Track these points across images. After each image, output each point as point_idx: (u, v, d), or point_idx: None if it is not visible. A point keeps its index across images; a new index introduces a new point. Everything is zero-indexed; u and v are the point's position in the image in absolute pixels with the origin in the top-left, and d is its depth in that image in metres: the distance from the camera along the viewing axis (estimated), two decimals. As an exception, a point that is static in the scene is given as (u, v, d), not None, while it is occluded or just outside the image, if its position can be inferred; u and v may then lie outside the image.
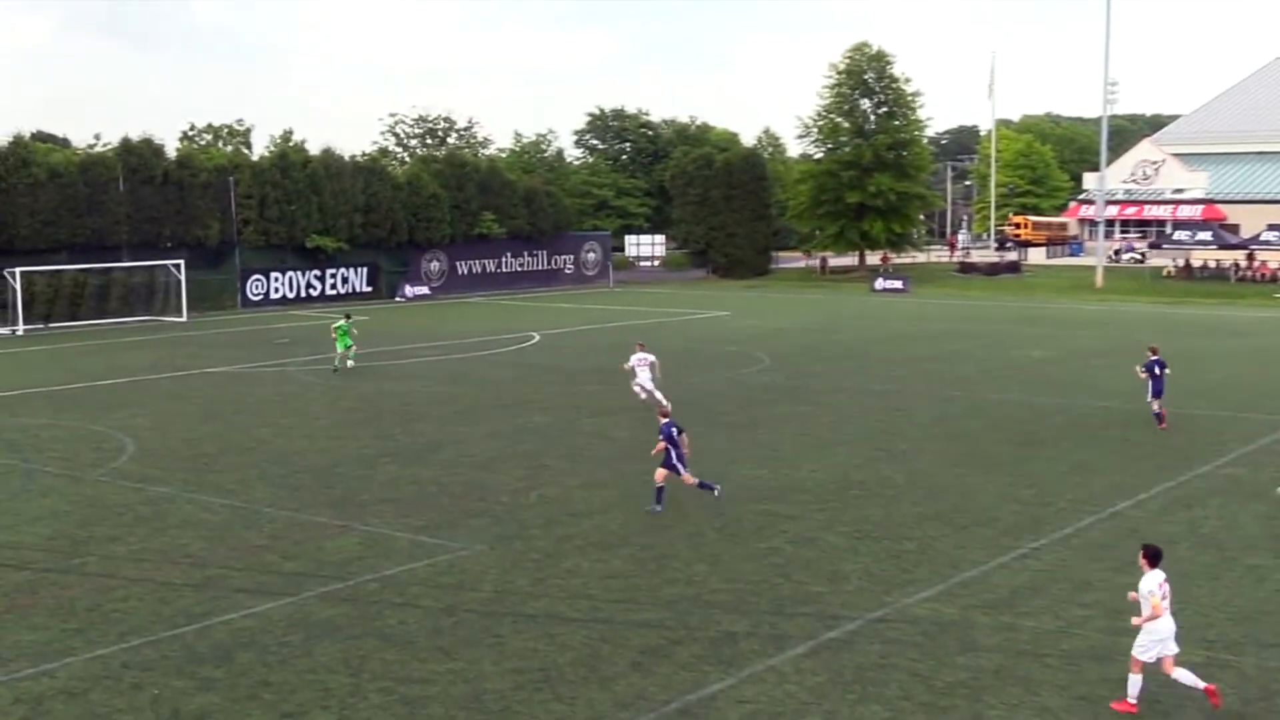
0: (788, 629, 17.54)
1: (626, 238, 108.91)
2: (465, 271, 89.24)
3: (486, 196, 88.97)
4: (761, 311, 70.70)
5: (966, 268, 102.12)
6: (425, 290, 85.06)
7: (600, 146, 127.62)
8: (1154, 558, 15.05)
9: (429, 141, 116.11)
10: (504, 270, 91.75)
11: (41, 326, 64.68)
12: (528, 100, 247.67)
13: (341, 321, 45.48)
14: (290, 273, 78.72)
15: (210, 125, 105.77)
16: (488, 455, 29.54)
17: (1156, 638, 14.75)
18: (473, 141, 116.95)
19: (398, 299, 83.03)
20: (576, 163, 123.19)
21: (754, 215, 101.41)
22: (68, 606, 18.71)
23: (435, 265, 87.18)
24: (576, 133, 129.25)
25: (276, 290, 78.01)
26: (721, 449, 30.00)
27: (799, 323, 63.25)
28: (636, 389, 35.65)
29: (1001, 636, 17.22)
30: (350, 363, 45.01)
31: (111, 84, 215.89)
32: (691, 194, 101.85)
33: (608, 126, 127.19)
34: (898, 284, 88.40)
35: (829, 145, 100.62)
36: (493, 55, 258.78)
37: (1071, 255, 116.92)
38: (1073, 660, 16.36)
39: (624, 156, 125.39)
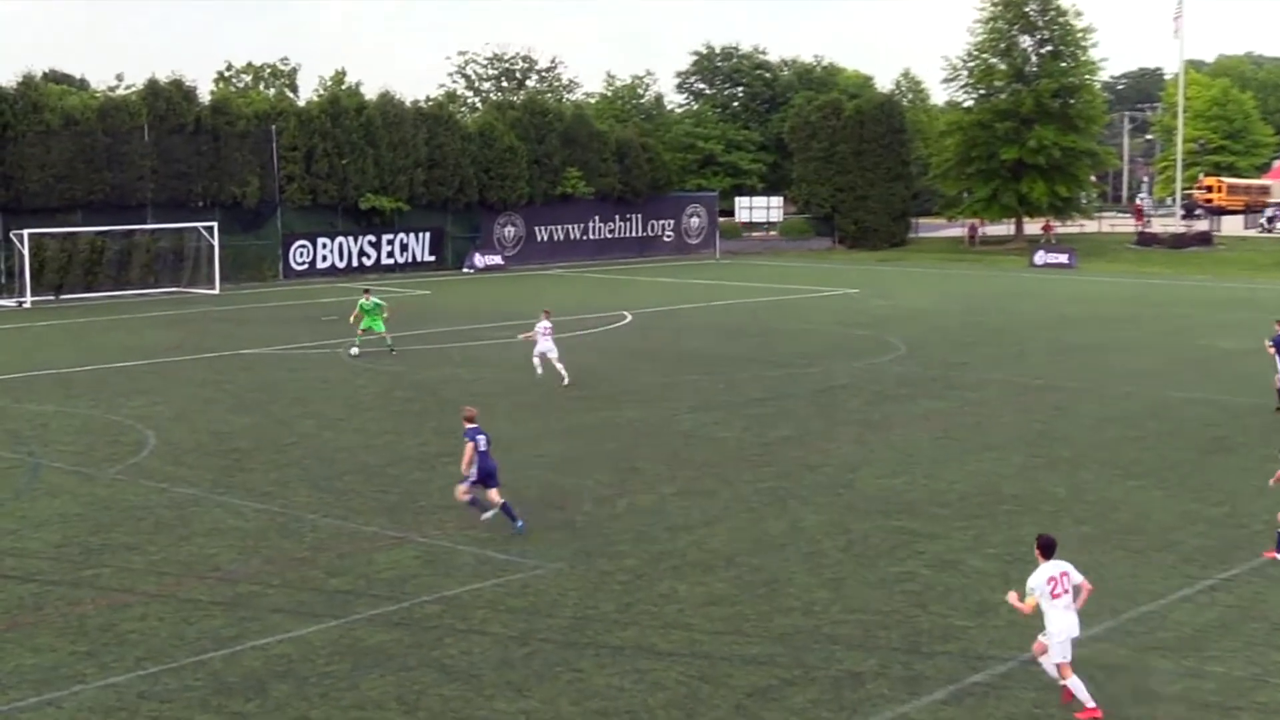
0: (924, 670, 17.36)
1: (737, 200, 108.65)
2: (545, 238, 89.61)
3: (572, 150, 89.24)
4: (897, 289, 70.22)
5: (1146, 239, 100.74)
6: (498, 260, 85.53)
7: (707, 92, 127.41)
8: (1045, 549, 16.18)
9: (504, 85, 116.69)
10: (591, 237, 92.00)
11: (52, 298, 65.99)
12: (622, 36, 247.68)
13: (365, 299, 45.29)
14: (340, 238, 79.56)
15: (250, 65, 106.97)
16: (568, 456, 29.58)
17: (1059, 639, 15.84)
18: (556, 85, 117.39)
19: (465, 270, 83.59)
20: (679, 111, 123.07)
21: (890, 174, 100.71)
22: (77, 626, 19.01)
23: (510, 231, 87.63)
24: (679, 75, 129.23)
25: (324, 259, 78.88)
26: (847, 452, 29.83)
27: (942, 303, 62.71)
28: (536, 361, 38.84)
29: (1184, 685, 16.92)
30: (355, 350, 44.92)
31: (137, 14, 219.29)
32: (815, 148, 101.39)
33: (716, 68, 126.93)
34: (1062, 258, 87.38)
35: (981, 91, 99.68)
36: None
37: (1268, 227, 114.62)
38: (1270, 715, 16.03)
39: (735, 104, 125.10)
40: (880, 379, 40.15)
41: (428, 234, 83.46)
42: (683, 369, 42.18)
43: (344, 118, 78.95)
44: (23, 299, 64.48)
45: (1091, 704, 15.73)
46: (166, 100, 72.48)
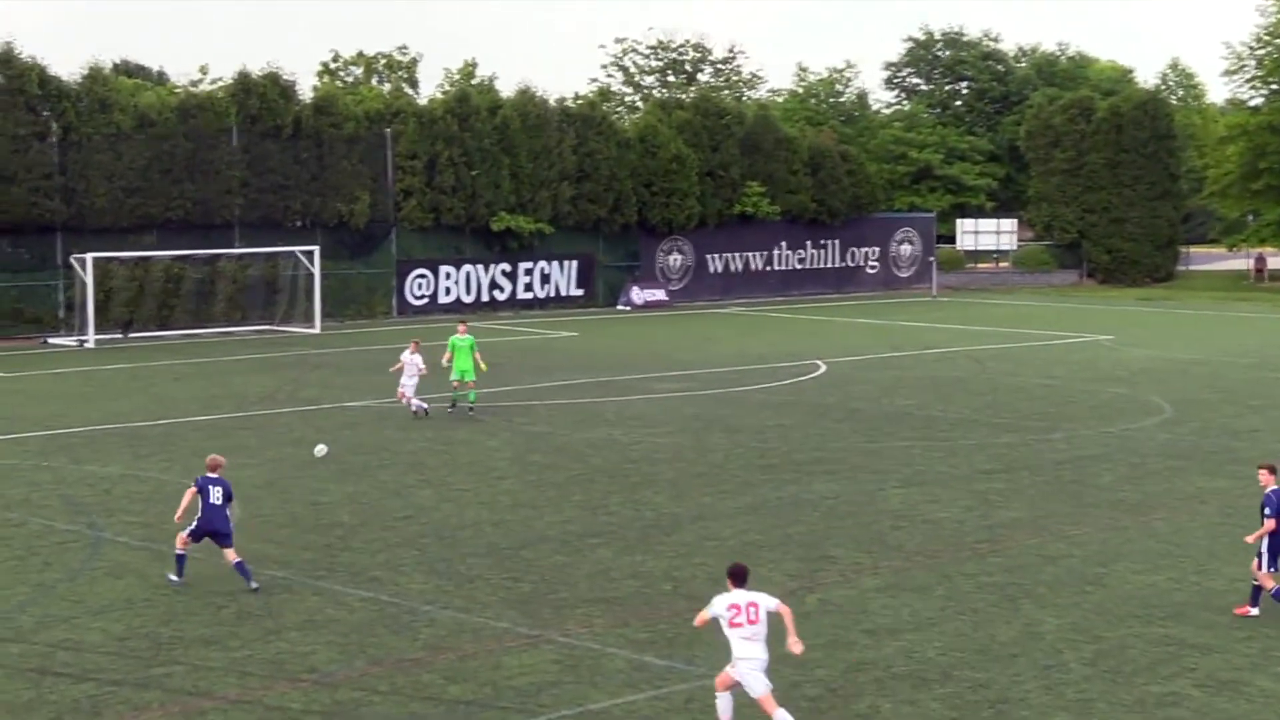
0: (1195, 818, 17.00)
1: (959, 222, 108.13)
2: (719, 268, 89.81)
3: (753, 160, 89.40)
4: (1163, 336, 69.26)
5: None
6: (660, 295, 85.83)
7: (923, 88, 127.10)
8: (734, 576, 19.11)
9: (671, 79, 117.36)
10: (776, 267, 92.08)
11: (119, 336, 67.44)
12: (817, 19, 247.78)
13: (459, 335, 45.37)
14: (468, 267, 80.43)
15: (361, 54, 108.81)
16: (745, 539, 29.47)
17: (746, 668, 18.56)
18: (734, 80, 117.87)
19: (621, 306, 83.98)
20: (887, 111, 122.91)
21: (1154, 191, 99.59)
22: (142, 736, 19.35)
23: (676, 259, 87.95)
24: (889, 67, 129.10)
25: (447, 291, 79.77)
26: (1097, 540, 29.40)
27: (1221, 353, 61.69)
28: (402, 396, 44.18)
29: None
30: (460, 402, 45.27)
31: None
32: (1059, 159, 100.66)
33: (935, 58, 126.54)
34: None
35: (1274, 86, 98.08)
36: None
37: None
38: None
39: (958, 103, 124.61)
40: (1140, 449, 39.56)
41: (575, 263, 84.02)
42: (890, 432, 41.92)
43: (474, 119, 79.82)
44: (84, 337, 65.94)
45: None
46: (260, 97, 73.87)
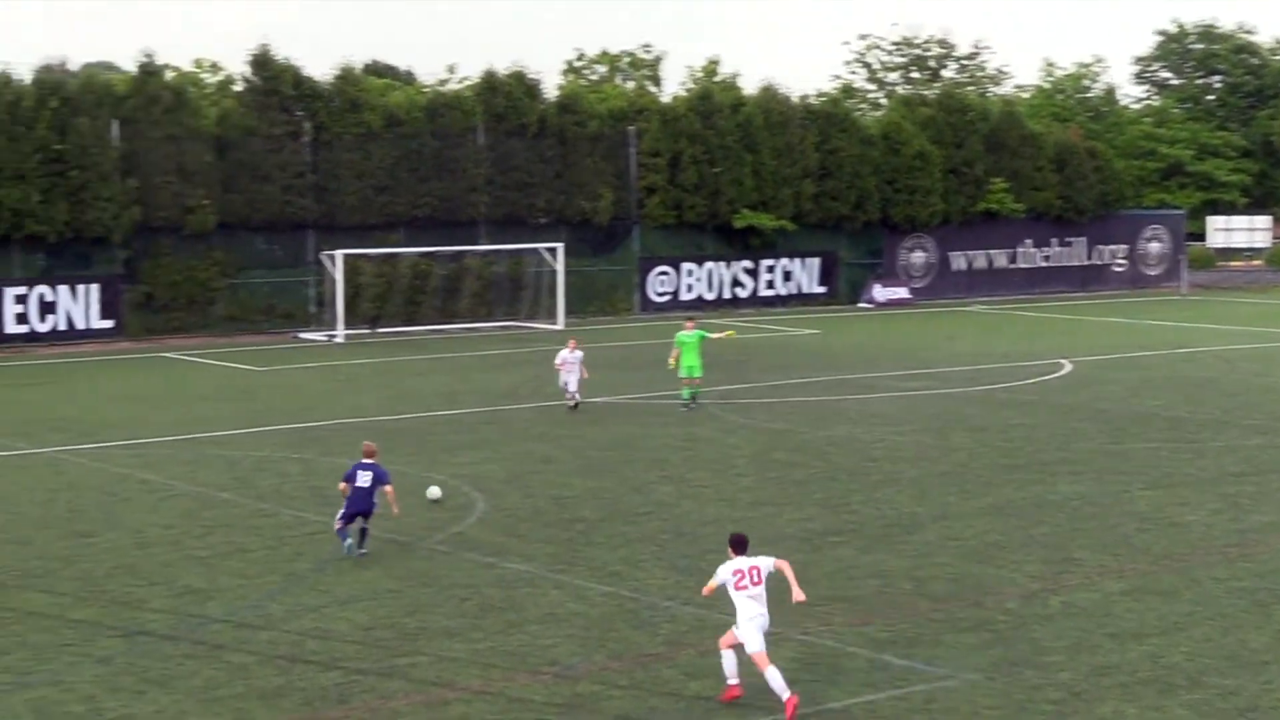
0: None
1: (1210, 220, 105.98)
2: (962, 266, 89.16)
3: (998, 157, 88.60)
4: None
5: None
6: (903, 293, 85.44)
7: (1174, 82, 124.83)
8: (735, 545, 21.06)
9: (915, 76, 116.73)
10: (1020, 265, 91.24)
11: (367, 331, 68.62)
12: (1065, 14, 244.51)
13: (686, 331, 45.66)
14: (710, 264, 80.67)
15: (605, 53, 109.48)
16: (988, 540, 29.21)
17: (745, 624, 20.18)
18: (979, 76, 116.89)
19: (863, 304, 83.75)
20: (1136, 107, 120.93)
21: None
22: (387, 724, 19.68)
23: (919, 256, 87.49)
24: (1138, 61, 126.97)
25: (689, 288, 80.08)
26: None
27: None
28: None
29: None
30: (690, 398, 45.46)
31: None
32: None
33: (1186, 52, 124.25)
34: None
35: None
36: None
37: None
38: None
39: (1210, 97, 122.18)
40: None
41: (817, 260, 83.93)
42: (1136, 433, 41.28)
43: (717, 117, 80.00)
44: (333, 332, 67.23)
45: (786, 693, 19.49)
46: (506, 96, 74.75)
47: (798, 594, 20.77)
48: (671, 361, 45.97)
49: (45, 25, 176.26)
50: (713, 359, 51.06)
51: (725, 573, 20.51)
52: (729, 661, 20.38)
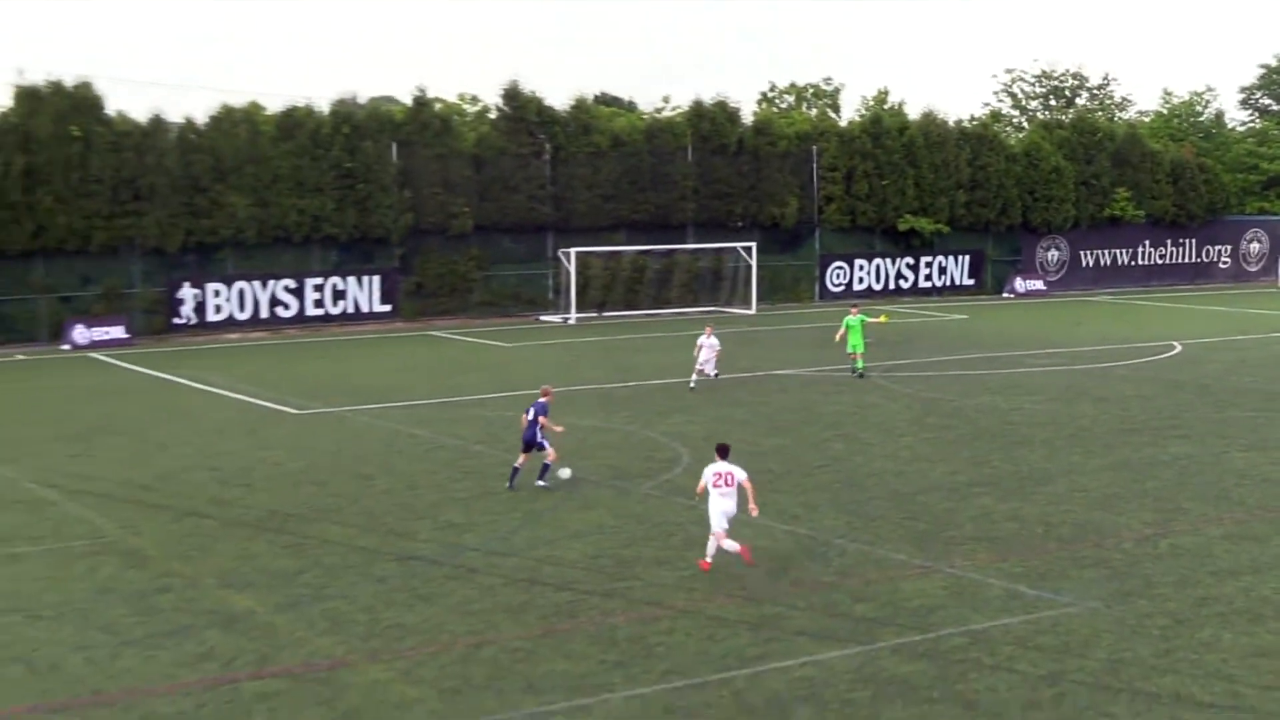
0: None
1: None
2: (1090, 263, 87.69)
3: (1121, 170, 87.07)
4: None
5: None
6: (1039, 285, 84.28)
7: (1275, 108, 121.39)
8: (720, 451, 23.63)
9: (1052, 103, 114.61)
10: (1139, 262, 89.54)
11: (595, 315, 69.16)
12: (1182, 49, 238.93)
13: (852, 315, 46.86)
14: (877, 260, 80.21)
15: (793, 85, 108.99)
16: (1107, 491, 28.84)
17: (716, 515, 23.09)
18: (1107, 103, 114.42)
19: (1005, 294, 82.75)
20: (1241, 129, 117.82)
21: None
22: (608, 635, 19.93)
23: (1053, 254, 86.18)
24: (1243, 90, 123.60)
25: (860, 280, 79.67)
26: None
27: None
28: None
29: None
30: (860, 371, 46.18)
31: (687, 37, 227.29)
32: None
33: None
34: None
35: None
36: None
37: None
38: None
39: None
40: None
41: (967, 257, 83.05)
42: (1236, 404, 40.41)
43: (885, 138, 79.47)
44: (568, 315, 67.93)
45: (738, 546, 22.84)
46: (710, 121, 74.79)
47: (753, 509, 23.24)
48: (837, 338, 47.06)
49: (339, 67, 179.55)
50: (879, 340, 50.88)
51: (708, 474, 23.31)
52: (711, 545, 23.27)
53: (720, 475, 23.18)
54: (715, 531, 23.06)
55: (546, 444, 29.64)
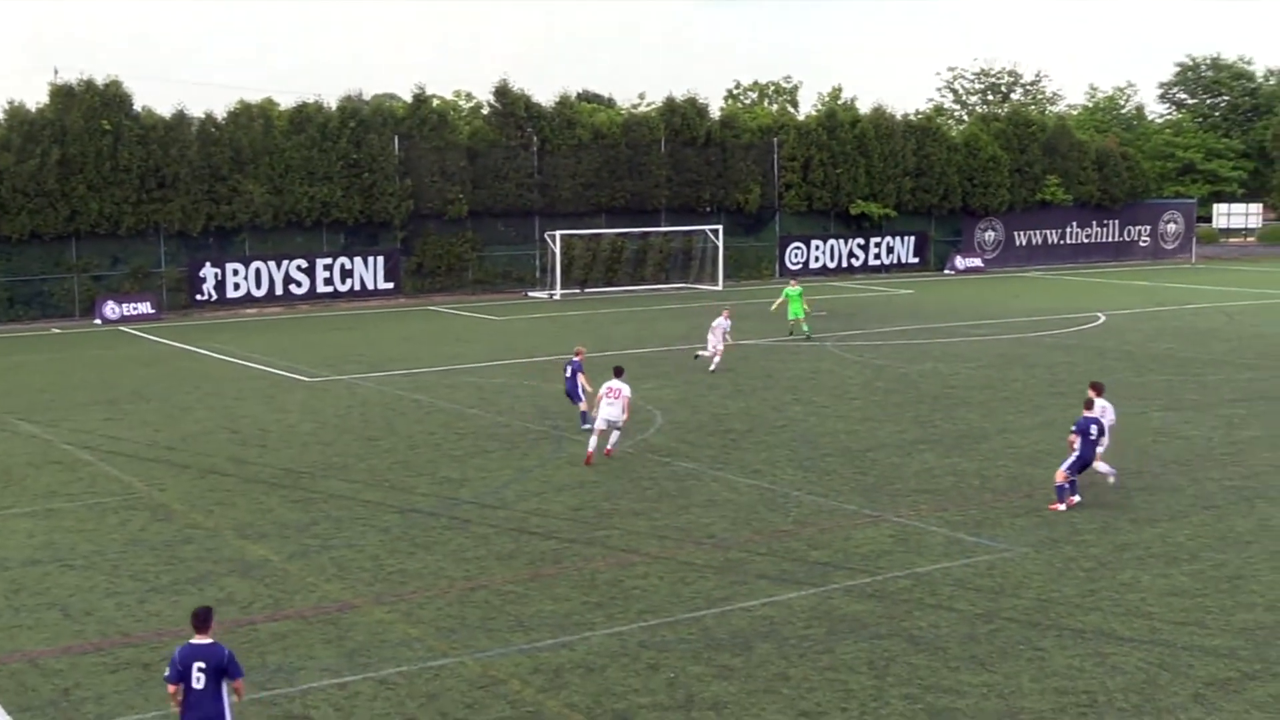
0: (1391, 673, 16.15)
1: (1214, 207, 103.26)
2: (1023, 242, 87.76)
3: (1052, 159, 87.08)
4: (1379, 296, 65.26)
5: None
6: (977, 262, 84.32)
7: (1189, 102, 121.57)
8: (616, 372, 28.24)
9: (990, 98, 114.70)
10: (1068, 242, 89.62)
11: (577, 291, 69.12)
12: (1106, 48, 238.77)
13: (790, 287, 49.50)
14: (832, 241, 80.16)
15: (756, 83, 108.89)
16: (1038, 448, 28.91)
17: (601, 420, 27.71)
18: (1039, 98, 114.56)
19: (947, 271, 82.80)
20: (1159, 120, 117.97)
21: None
22: (589, 579, 19.92)
23: (990, 235, 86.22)
24: (1161, 86, 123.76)
25: (816, 259, 79.64)
26: (1319, 456, 28.01)
27: None
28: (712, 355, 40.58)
29: None
30: (807, 334, 48.40)
31: (658, 37, 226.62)
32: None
33: (1199, 78, 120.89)
34: None
35: None
36: None
37: None
38: None
39: (1216, 113, 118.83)
40: (1357, 384, 37.43)
41: (912, 238, 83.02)
42: (1154, 369, 40.51)
43: (839, 130, 79.33)
44: (553, 291, 67.84)
45: (607, 450, 27.68)
46: (681, 116, 74.61)
47: (624, 417, 27.84)
48: (774, 308, 50.40)
49: (349, 66, 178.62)
50: (832, 312, 50.76)
51: (602, 389, 27.82)
52: (593, 441, 27.58)
53: (610, 389, 27.61)
54: (598, 428, 27.66)
55: (582, 396, 30.88)
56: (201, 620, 12.92)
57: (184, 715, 12.82)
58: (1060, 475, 23.97)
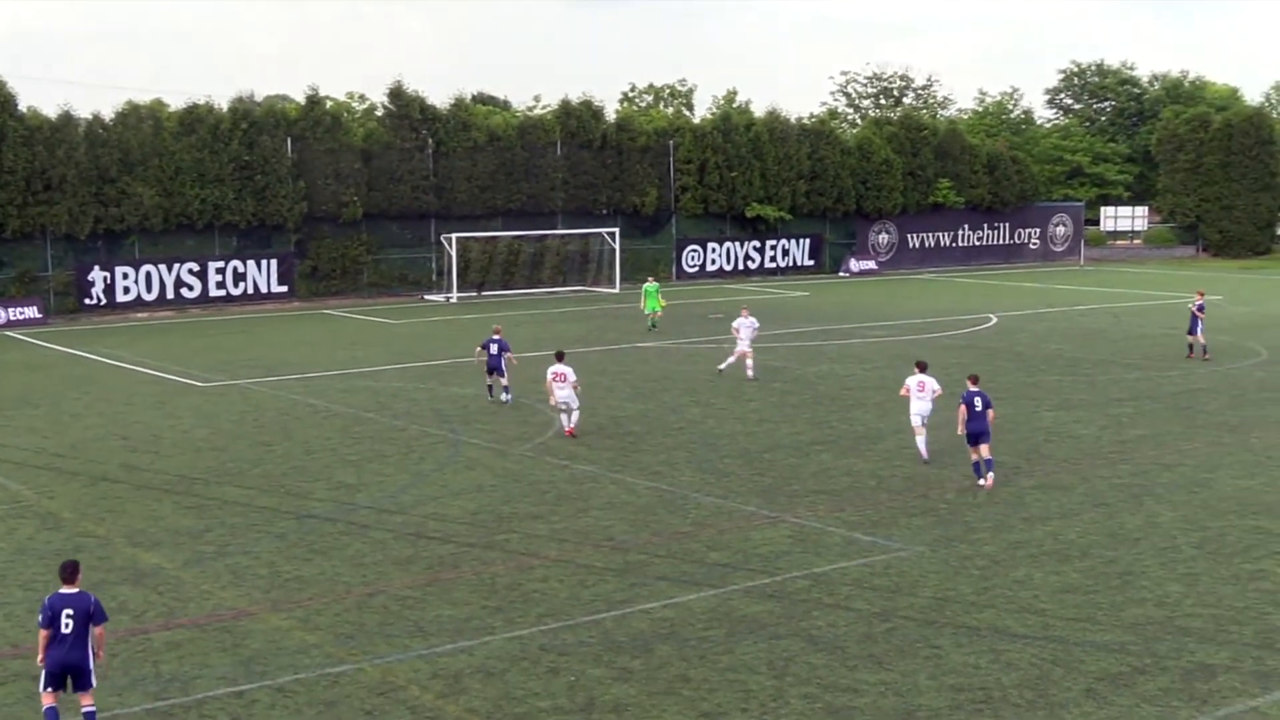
0: (1276, 666, 16.51)
1: (1102, 209, 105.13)
2: (916, 245, 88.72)
3: (944, 162, 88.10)
4: (1261, 297, 66.75)
5: None
6: (871, 265, 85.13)
7: (1076, 107, 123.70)
8: (558, 357, 30.45)
9: (883, 102, 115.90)
10: (960, 244, 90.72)
11: (474, 294, 68.87)
12: (995, 55, 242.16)
13: (649, 284, 52.71)
14: (728, 243, 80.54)
15: (651, 86, 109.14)
16: (933, 449, 29.10)
17: (557, 399, 29.98)
18: (931, 102, 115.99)
19: (841, 273, 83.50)
20: (1048, 125, 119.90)
21: (1256, 185, 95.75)
22: (488, 584, 19.84)
23: (884, 237, 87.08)
24: (1049, 91, 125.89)
25: (713, 262, 79.99)
26: (1204, 453, 28.60)
27: (1306, 311, 59.35)
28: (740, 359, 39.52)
29: None
30: (652, 326, 51.05)
31: (557, 38, 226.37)
32: (1181, 160, 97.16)
33: (1085, 84, 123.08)
34: None
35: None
36: (958, 3, 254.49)
37: None
38: None
39: (1103, 118, 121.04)
40: (1240, 383, 38.27)
41: (807, 240, 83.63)
42: (1045, 369, 41.14)
43: (734, 134, 79.74)
44: (450, 294, 67.54)
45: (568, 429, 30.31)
46: (577, 119, 74.61)
47: (574, 394, 30.28)
48: (643, 304, 52.60)
49: (237, 67, 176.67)
50: (729, 317, 50.81)
51: (549, 374, 29.94)
52: (562, 419, 30.25)
53: (558, 374, 29.88)
54: (559, 409, 30.27)
55: (506, 370, 34.84)
56: (69, 572, 14.51)
57: (49, 658, 14.20)
58: (973, 453, 25.87)
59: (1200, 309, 42.94)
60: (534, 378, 38.97)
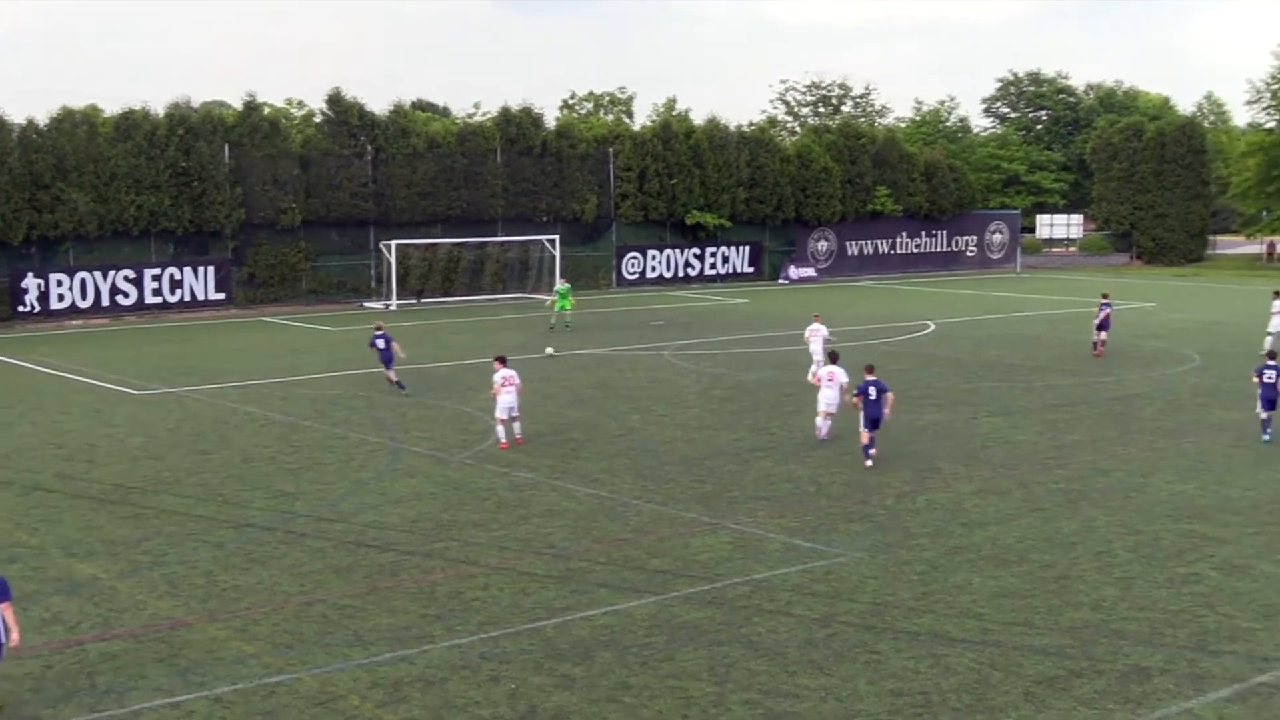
0: (1210, 668, 16.71)
1: (1038, 217, 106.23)
2: (855, 252, 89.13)
3: (882, 170, 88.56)
4: (1194, 303, 67.55)
5: None
6: (811, 272, 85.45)
7: (1012, 115, 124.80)
8: (500, 360, 30.62)
9: (821, 110, 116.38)
10: (898, 252, 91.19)
11: (414, 301, 68.57)
12: (932, 64, 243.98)
13: (560, 285, 56.30)
14: (668, 251, 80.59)
15: (591, 94, 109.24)
16: (875, 456, 29.34)
17: (500, 409, 29.95)
18: (869, 110, 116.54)
19: (781, 281, 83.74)
20: (984, 134, 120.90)
21: (1189, 194, 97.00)
22: (429, 592, 19.75)
23: (823, 245, 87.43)
24: (985, 100, 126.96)
25: (653, 269, 79.98)
26: (1139, 458, 28.89)
27: (1238, 317, 60.07)
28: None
29: None
30: (567, 326, 53.69)
31: (493, 50, 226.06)
32: (1116, 169, 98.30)
33: (1021, 93, 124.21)
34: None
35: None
36: (895, 13, 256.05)
37: None
38: None
39: (1039, 126, 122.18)
40: (1174, 389, 38.70)
41: (747, 248, 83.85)
42: (982, 375, 41.44)
43: (674, 141, 79.81)
44: (389, 301, 67.23)
45: (503, 441, 30.05)
46: (517, 126, 74.46)
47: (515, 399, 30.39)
48: (549, 303, 55.97)
49: (176, 72, 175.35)
50: (669, 322, 51.00)
51: (497, 379, 29.91)
52: (501, 430, 29.99)
53: (507, 379, 29.89)
54: (499, 418, 29.99)
55: (393, 359, 37.63)
56: None
57: None
58: (864, 435, 28.12)
59: (1106, 309, 46.21)
60: (473, 385, 38.90)
